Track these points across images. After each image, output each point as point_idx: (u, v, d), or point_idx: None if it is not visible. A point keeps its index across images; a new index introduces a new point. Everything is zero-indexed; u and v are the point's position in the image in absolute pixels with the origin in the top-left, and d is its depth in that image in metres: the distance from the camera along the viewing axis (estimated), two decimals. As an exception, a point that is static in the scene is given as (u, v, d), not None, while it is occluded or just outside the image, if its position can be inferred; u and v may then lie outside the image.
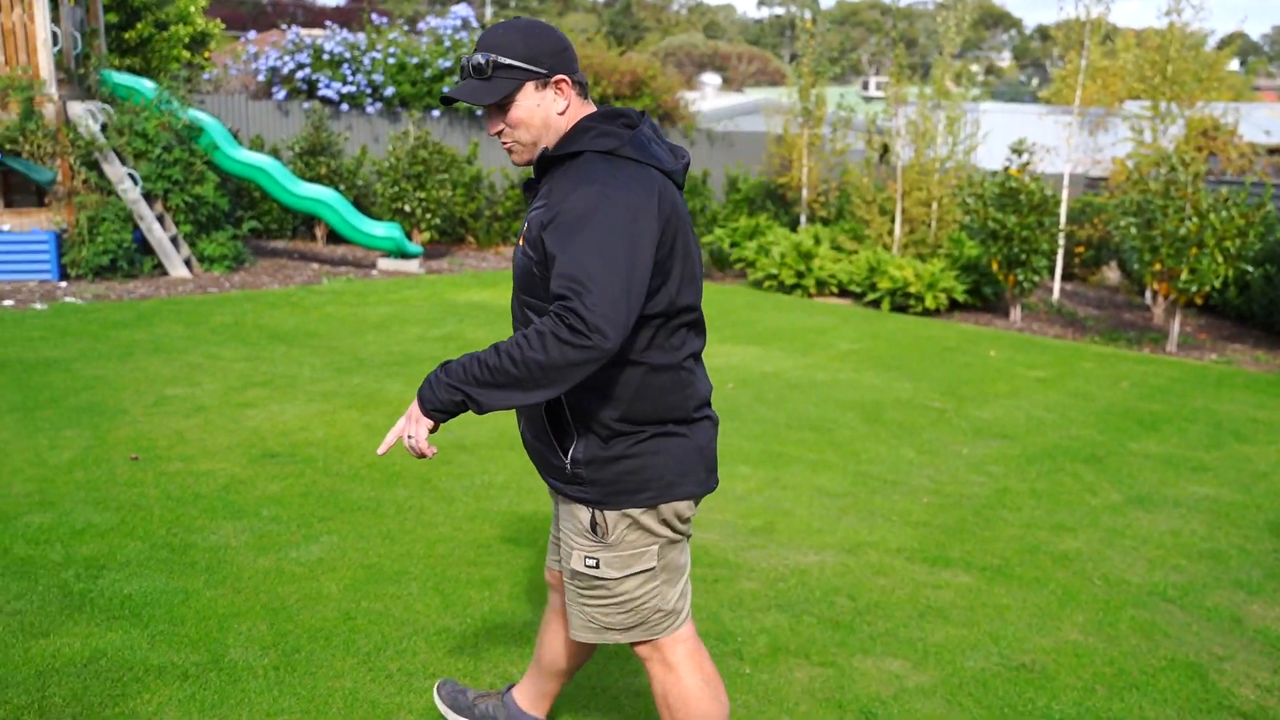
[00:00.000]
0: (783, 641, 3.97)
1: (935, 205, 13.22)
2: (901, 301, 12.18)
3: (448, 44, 16.15)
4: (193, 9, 16.61)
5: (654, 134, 2.52)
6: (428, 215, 13.86)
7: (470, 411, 2.33)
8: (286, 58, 15.74)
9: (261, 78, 15.84)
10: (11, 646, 3.65)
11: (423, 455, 2.40)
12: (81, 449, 5.80)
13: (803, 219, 15.32)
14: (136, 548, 4.53)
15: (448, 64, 15.85)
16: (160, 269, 11.67)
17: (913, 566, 4.73)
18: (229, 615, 3.95)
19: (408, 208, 13.79)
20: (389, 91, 15.70)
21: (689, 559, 2.67)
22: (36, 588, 4.11)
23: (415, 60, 15.85)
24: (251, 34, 16.85)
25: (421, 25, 16.79)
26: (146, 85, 12.14)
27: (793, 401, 7.58)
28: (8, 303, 9.95)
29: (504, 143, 2.51)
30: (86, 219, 11.09)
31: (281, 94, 15.62)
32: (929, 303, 11.90)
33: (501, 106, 2.43)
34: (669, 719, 2.64)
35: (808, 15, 15.19)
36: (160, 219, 11.63)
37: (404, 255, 13.11)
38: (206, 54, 17.00)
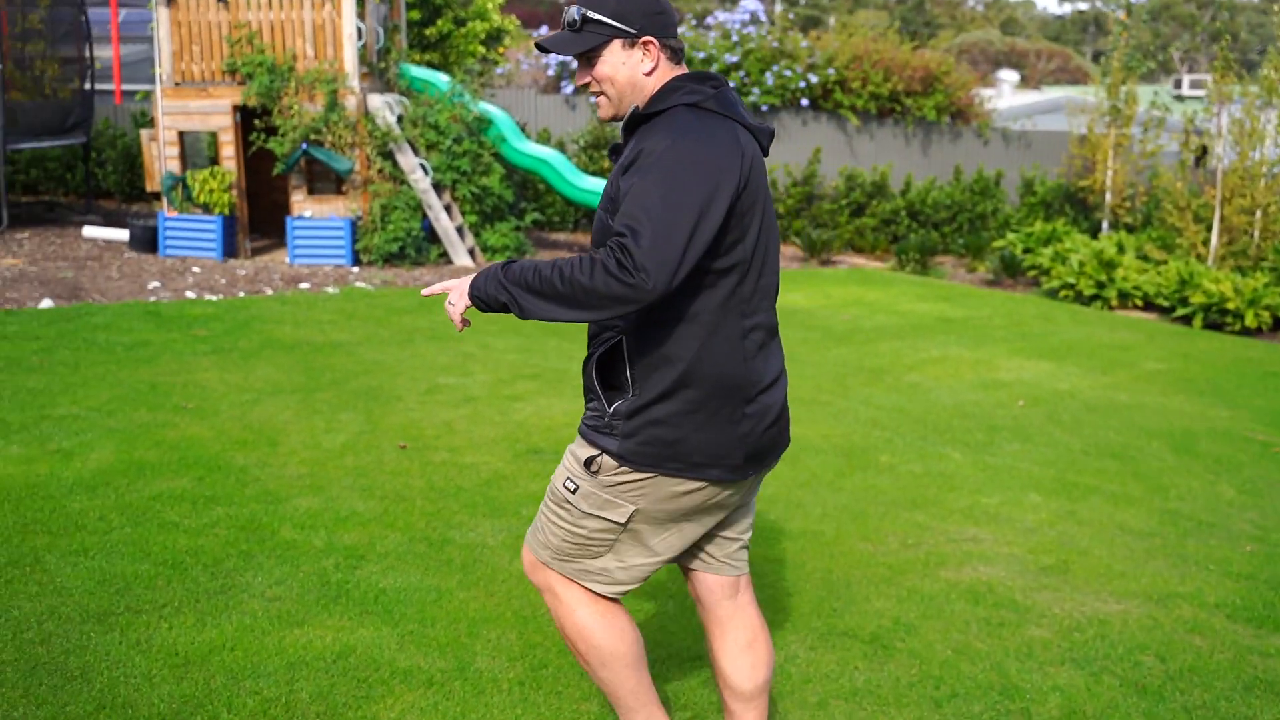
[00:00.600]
0: (1078, 704, 3.49)
1: (1260, 213, 11.95)
2: (1216, 319, 11.06)
3: (735, 39, 15.94)
4: (490, 6, 17.09)
5: (739, 100, 2.54)
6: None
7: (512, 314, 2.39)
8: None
9: (551, 72, 16.11)
10: (267, 634, 3.63)
11: (458, 322, 2.51)
12: (354, 434, 5.87)
13: (1105, 225, 14.23)
14: (395, 540, 4.48)
15: (734, 59, 15.63)
16: (445, 257, 11.99)
17: (1235, 627, 4.12)
18: (479, 620, 3.81)
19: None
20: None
21: (679, 546, 2.60)
22: (297, 574, 4.10)
23: (702, 55, 15.72)
24: (544, 30, 17.16)
25: (709, 20, 16.66)
26: (441, 79, 12.50)
27: (1090, 425, 6.89)
28: (304, 285, 10.41)
29: (593, 94, 2.56)
30: (380, 207, 11.50)
31: (569, 88, 15.83)
32: (1249, 321, 10.75)
33: (590, 60, 2.50)
34: (575, 650, 2.66)
35: (1118, 10, 14.09)
36: (447, 209, 11.94)
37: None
38: (501, 50, 17.47)
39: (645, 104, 2.49)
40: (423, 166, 11.71)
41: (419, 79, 12.50)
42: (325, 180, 12.05)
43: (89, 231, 12.13)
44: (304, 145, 11.30)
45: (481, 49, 16.49)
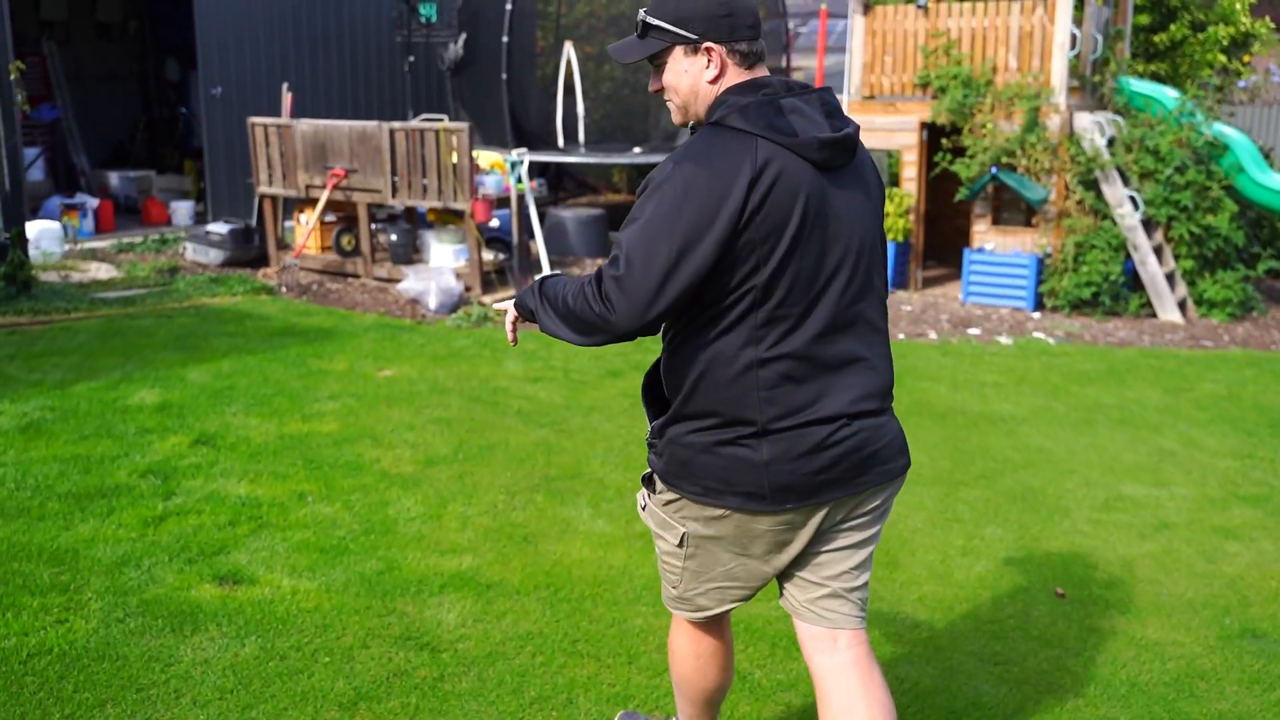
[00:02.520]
0: None
1: None
2: None
3: None
4: (1239, 6, 14.44)
5: (815, 106, 2.34)
6: None
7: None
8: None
9: (1276, 79, 13.18)
10: None
11: (510, 333, 2.60)
12: (995, 562, 4.43)
13: None
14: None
15: None
16: (1148, 309, 9.97)
17: None
18: None
19: None
20: None
21: (745, 577, 2.51)
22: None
23: None
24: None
25: None
26: (1168, 94, 10.45)
27: None
28: (974, 331, 9.06)
29: (665, 101, 2.46)
30: (1074, 244, 9.79)
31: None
32: None
33: (657, 66, 2.42)
34: (669, 667, 2.77)
35: None
36: (1157, 250, 9.92)
37: None
38: (1247, 58, 14.72)
39: (706, 115, 2.39)
40: (1133, 199, 9.80)
41: (1140, 94, 10.55)
42: (1014, 210, 10.57)
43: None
44: (993, 169, 9.93)
45: (1223, 58, 13.94)
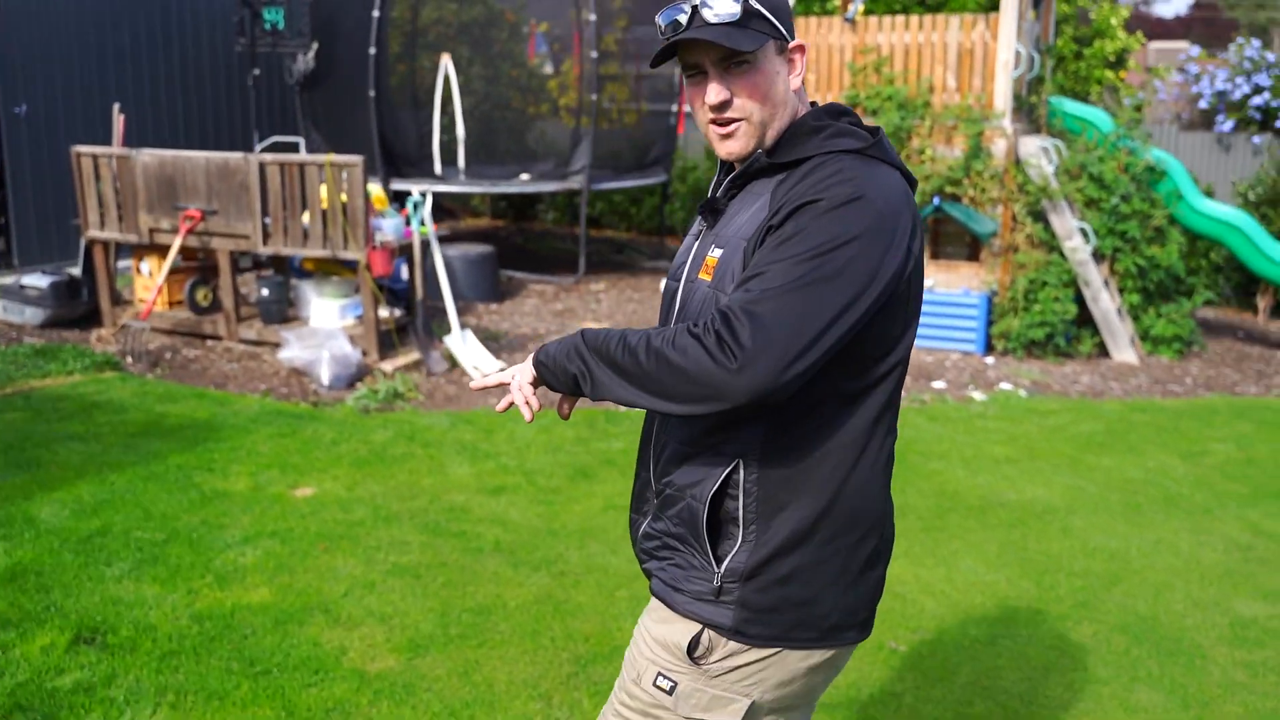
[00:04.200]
0: None
1: None
2: None
3: None
4: (1114, 21, 14.11)
5: None
6: None
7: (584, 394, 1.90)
8: (1239, 79, 12.62)
9: (1204, 104, 12.86)
10: None
11: (526, 405, 2.02)
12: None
13: None
14: None
15: None
16: (1101, 348, 9.24)
17: None
18: None
19: None
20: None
21: None
22: None
23: None
24: (1194, 50, 13.93)
25: None
26: (1103, 117, 9.78)
27: None
28: (939, 385, 8.10)
29: (728, 122, 1.96)
30: (1026, 281, 8.97)
31: (1228, 125, 12.53)
32: None
33: (738, 63, 1.93)
34: None
35: None
36: (1105, 284, 9.21)
37: None
38: (1122, 74, 14.41)
39: (772, 146, 1.98)
40: (1083, 231, 9.05)
41: (1074, 116, 9.84)
42: (954, 243, 9.70)
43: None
44: (936, 200, 9.02)
45: (1110, 74, 13.56)
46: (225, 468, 5.38)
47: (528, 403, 2.03)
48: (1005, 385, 8.19)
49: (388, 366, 7.27)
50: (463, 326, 7.80)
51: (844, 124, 1.98)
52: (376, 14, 9.89)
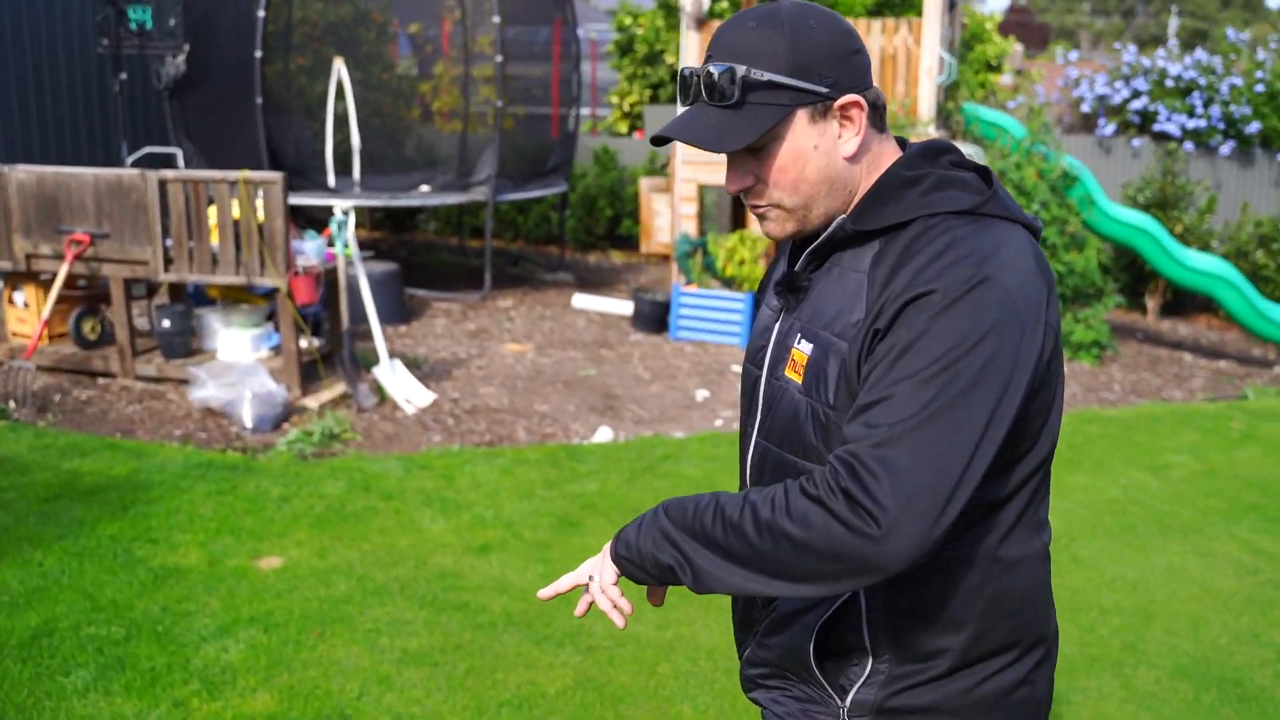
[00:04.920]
0: None
1: None
2: None
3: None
4: (988, 25, 14.27)
5: None
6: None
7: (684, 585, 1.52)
8: (1119, 84, 12.85)
9: (1087, 108, 13.05)
10: None
11: (615, 609, 1.67)
12: None
13: None
14: None
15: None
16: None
17: None
18: None
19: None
20: (1253, 128, 12.26)
21: None
22: None
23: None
24: (1072, 55, 14.16)
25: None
26: (1014, 123, 9.74)
27: None
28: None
29: (755, 206, 1.64)
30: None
31: (1109, 129, 12.75)
32: None
33: (753, 148, 1.58)
34: None
35: None
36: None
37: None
38: (996, 77, 14.59)
39: (857, 209, 1.60)
40: (1008, 239, 8.96)
41: (988, 123, 9.78)
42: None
43: (580, 302, 10.10)
44: (863, 209, 8.80)
45: (992, 78, 13.68)
46: (168, 537, 4.68)
47: (616, 607, 1.68)
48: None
49: (312, 403, 6.60)
50: (391, 356, 7.18)
51: (945, 170, 1.59)
52: (262, 13, 9.11)
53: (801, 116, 1.56)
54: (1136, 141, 12.66)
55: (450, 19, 12.37)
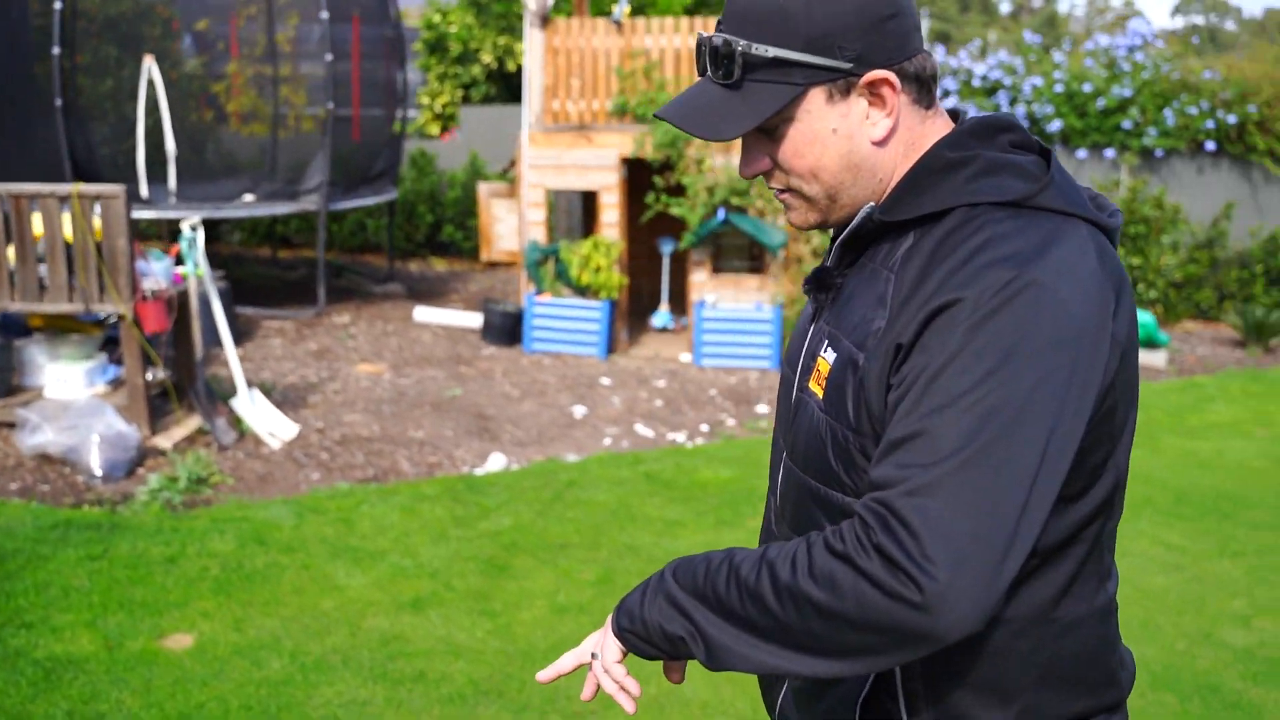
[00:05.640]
0: None
1: None
2: None
3: (1125, 68, 13.07)
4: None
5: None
6: (1150, 290, 10.84)
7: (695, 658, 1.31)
8: (930, 84, 13.20)
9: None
10: None
11: (623, 691, 1.43)
12: None
13: None
14: None
15: (1126, 93, 12.77)
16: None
17: None
18: None
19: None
20: (1054, 126, 12.81)
21: None
22: None
23: (1089, 87, 12.88)
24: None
25: (1088, 45, 13.83)
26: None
27: None
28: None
29: (776, 191, 1.43)
30: (818, 294, 8.74)
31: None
32: None
33: (767, 130, 1.36)
34: None
35: None
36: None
37: (1154, 345, 10.10)
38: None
39: (890, 197, 1.37)
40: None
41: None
42: (738, 256, 9.33)
43: (423, 315, 9.53)
44: (722, 212, 8.61)
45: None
46: (46, 619, 3.98)
47: (624, 690, 1.44)
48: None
49: (165, 443, 5.88)
50: (250, 385, 6.49)
51: (997, 153, 1.36)
52: (59, 5, 8.17)
53: (817, 96, 1.34)
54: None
55: (243, 15, 11.51)
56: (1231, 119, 12.75)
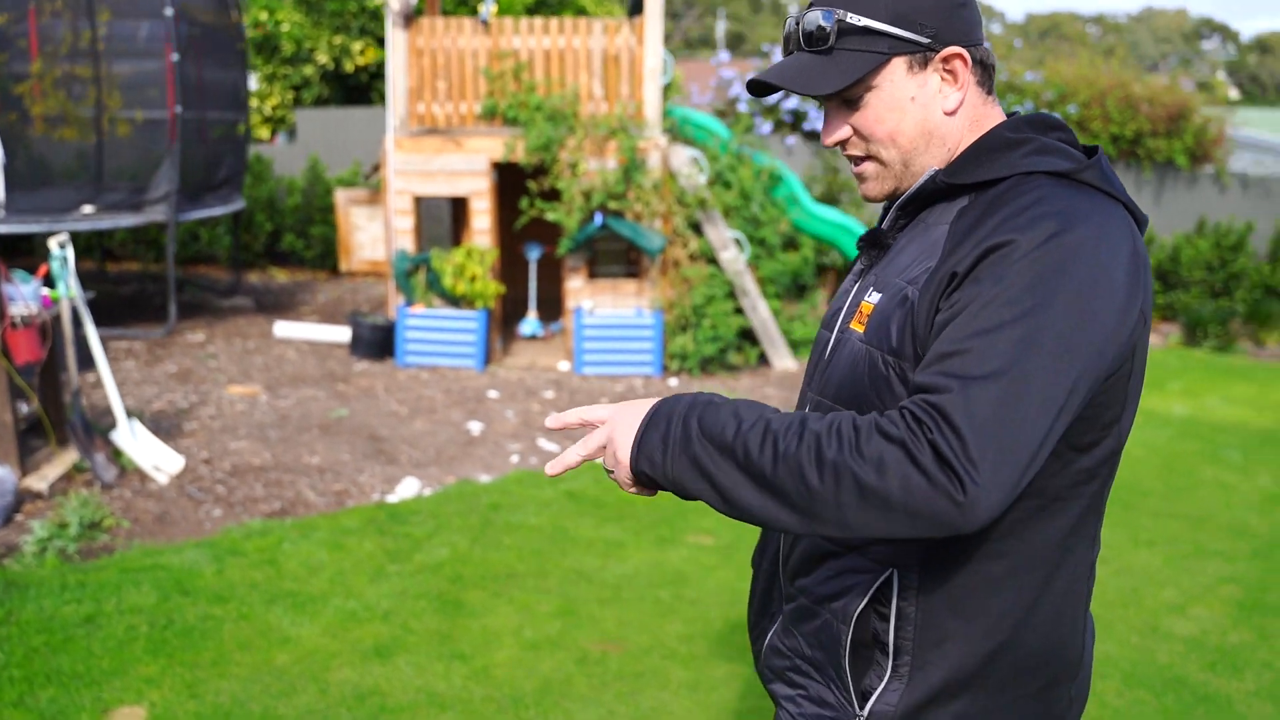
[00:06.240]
0: None
1: None
2: None
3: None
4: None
5: None
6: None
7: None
8: (772, 85, 13.32)
9: (743, 107, 13.40)
10: None
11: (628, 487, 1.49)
12: None
13: None
14: None
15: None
16: (764, 359, 9.20)
17: None
18: None
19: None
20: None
21: None
22: None
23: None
24: (724, 55, 14.43)
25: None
26: (721, 126, 9.75)
27: None
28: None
29: (852, 161, 1.59)
30: (702, 296, 8.65)
31: (766, 127, 13.18)
32: None
33: (849, 99, 1.53)
34: None
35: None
36: (761, 293, 9.17)
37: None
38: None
39: (953, 164, 1.53)
40: (737, 241, 8.94)
41: (698, 125, 9.71)
42: (615, 261, 9.16)
43: (285, 331, 9.01)
44: (599, 217, 8.44)
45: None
46: (-36, 698, 3.49)
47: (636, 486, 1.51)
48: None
49: (39, 483, 5.32)
50: (130, 416, 5.94)
51: (1051, 139, 1.54)
52: None
53: (899, 66, 1.52)
54: (790, 139, 13.16)
55: (46, 10, 10.66)
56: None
